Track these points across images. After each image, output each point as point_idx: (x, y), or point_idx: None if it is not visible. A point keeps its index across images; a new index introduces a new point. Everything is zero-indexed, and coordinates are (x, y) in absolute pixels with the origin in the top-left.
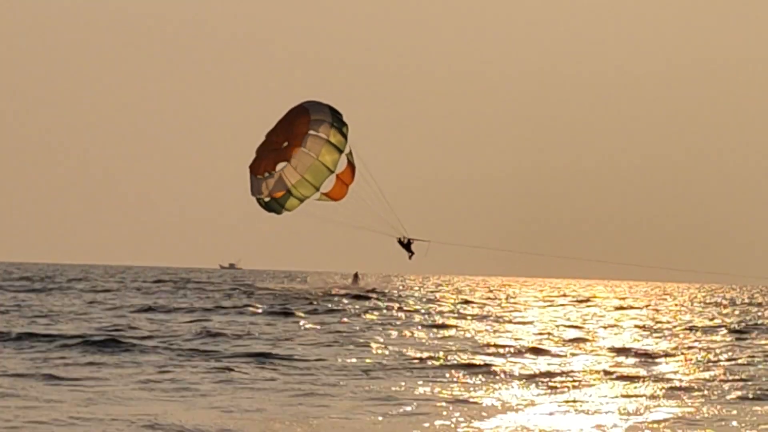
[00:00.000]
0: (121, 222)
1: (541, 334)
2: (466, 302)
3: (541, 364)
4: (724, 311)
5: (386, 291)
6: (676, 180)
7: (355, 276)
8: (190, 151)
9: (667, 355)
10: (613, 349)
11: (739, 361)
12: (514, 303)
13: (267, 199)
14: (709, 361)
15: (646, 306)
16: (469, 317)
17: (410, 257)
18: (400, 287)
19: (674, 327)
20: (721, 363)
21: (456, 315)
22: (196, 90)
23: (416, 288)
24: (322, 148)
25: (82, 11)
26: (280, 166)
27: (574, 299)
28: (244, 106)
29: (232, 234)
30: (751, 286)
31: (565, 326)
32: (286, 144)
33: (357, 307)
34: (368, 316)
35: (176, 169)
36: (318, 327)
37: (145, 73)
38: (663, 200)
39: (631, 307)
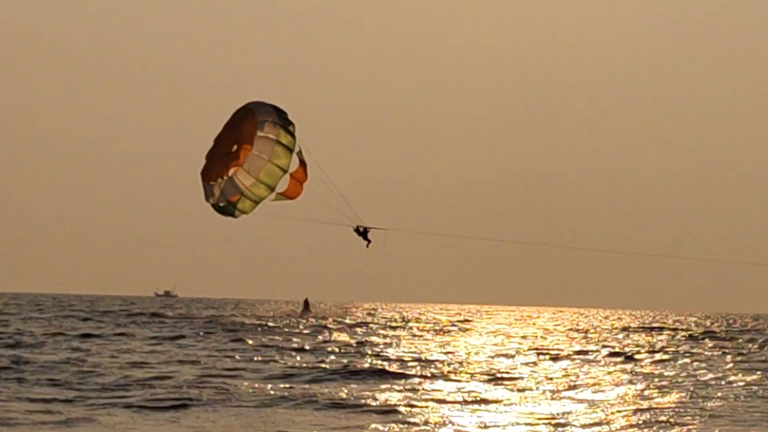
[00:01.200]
0: (50, 248)
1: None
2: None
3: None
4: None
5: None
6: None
7: (306, 303)
8: (123, 170)
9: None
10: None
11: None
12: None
13: (222, 204)
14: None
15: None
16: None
17: (367, 245)
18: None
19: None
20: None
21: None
22: (124, 107)
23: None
24: (273, 149)
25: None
26: (232, 170)
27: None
28: (171, 126)
29: (166, 260)
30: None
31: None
32: (235, 147)
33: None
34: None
35: (109, 190)
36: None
37: (66, 92)
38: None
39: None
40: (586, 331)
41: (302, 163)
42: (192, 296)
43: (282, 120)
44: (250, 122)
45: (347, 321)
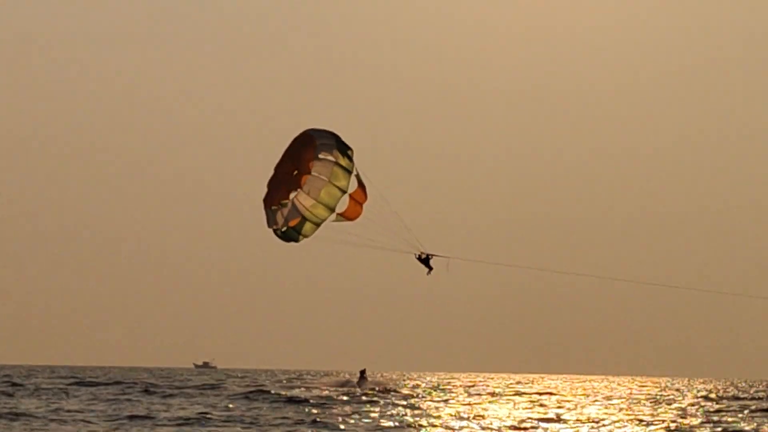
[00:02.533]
0: (86, 319)
1: None
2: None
3: None
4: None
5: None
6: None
7: (362, 373)
8: (160, 243)
9: None
10: None
11: None
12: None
13: (284, 229)
14: None
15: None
16: None
17: (428, 272)
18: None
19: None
20: None
21: None
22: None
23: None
24: (332, 170)
25: None
26: (292, 194)
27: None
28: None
29: (203, 331)
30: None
31: None
32: (296, 172)
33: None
34: None
35: (146, 261)
36: None
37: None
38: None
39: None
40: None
41: (361, 185)
42: (232, 367)
43: (340, 144)
44: (309, 147)
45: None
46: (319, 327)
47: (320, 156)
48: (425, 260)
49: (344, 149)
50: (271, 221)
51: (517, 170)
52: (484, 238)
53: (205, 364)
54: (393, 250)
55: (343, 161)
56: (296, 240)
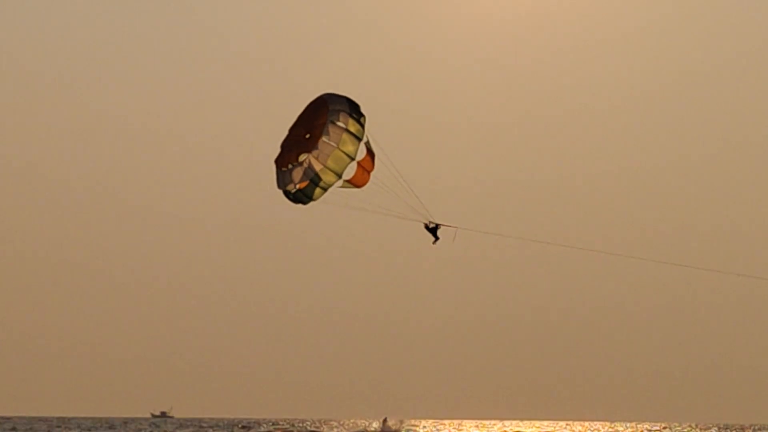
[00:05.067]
0: (34, 366)
1: None
2: None
3: None
4: None
5: None
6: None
7: (384, 422)
8: (116, 277)
9: None
10: None
11: None
12: None
13: (293, 191)
14: None
15: None
16: None
17: (434, 242)
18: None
19: None
20: None
21: None
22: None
23: None
24: (341, 136)
25: None
26: (302, 157)
27: None
28: None
29: (160, 378)
30: None
31: None
32: (308, 136)
33: None
34: None
35: (96, 301)
36: None
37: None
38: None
39: None
40: None
41: (369, 153)
42: (190, 416)
43: (353, 110)
44: (322, 112)
45: None
46: (294, 372)
47: (331, 121)
48: (433, 229)
49: (357, 116)
50: (280, 182)
51: (532, 139)
52: (494, 210)
53: (163, 414)
54: (401, 217)
55: (353, 127)
56: (304, 203)
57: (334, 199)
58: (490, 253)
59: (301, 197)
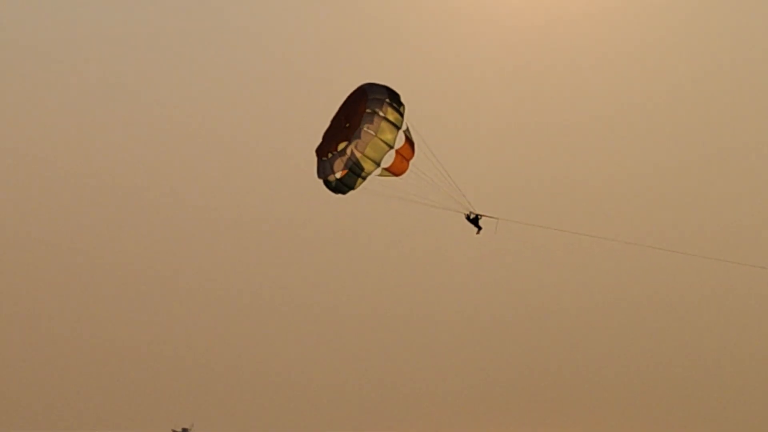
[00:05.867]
0: (49, 384)
1: None
2: None
3: None
4: None
5: None
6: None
7: None
8: (135, 293)
9: None
10: None
11: None
12: None
13: (334, 182)
14: None
15: None
16: None
17: (478, 232)
18: None
19: None
20: None
21: None
22: None
23: None
24: (380, 125)
25: None
26: (342, 146)
27: None
28: None
29: (181, 394)
30: None
31: None
32: (348, 125)
33: None
34: None
35: (111, 318)
36: None
37: None
38: None
39: None
40: None
41: (409, 141)
42: None
43: (393, 99)
44: (362, 101)
45: None
46: (331, 389)
47: (369, 110)
48: (474, 220)
49: (396, 105)
50: (321, 172)
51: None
52: (536, 202)
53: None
54: (443, 209)
55: (392, 116)
56: (344, 192)
57: (372, 187)
58: (533, 245)
59: (341, 187)
